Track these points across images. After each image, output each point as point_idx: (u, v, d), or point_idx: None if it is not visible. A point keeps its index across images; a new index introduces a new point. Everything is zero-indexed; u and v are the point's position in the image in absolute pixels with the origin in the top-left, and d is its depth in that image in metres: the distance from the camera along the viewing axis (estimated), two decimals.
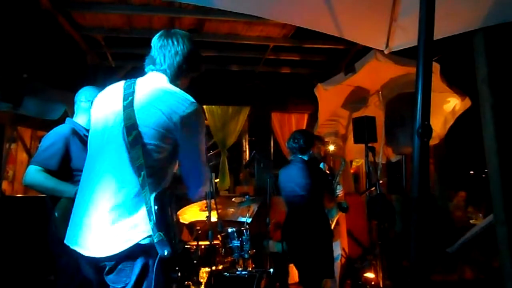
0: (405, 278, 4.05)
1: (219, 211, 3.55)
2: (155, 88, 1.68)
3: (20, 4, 4.03)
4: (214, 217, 3.54)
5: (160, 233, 1.53)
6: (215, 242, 3.46)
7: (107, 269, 1.60)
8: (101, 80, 5.38)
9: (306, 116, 6.75)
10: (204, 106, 6.44)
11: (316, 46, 5.31)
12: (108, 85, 1.83)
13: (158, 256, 1.55)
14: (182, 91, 1.74)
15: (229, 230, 3.53)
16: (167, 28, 4.74)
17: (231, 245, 3.49)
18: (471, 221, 4.55)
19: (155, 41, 1.78)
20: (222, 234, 3.53)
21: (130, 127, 1.59)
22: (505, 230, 2.49)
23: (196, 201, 1.95)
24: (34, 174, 2.23)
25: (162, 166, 1.64)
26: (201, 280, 3.39)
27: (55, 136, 2.34)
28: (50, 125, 2.63)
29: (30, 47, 4.46)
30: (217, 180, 6.63)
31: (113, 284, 1.60)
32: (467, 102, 3.95)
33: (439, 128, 4.24)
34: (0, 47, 4.00)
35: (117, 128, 1.62)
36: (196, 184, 1.75)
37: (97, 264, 1.61)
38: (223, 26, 4.82)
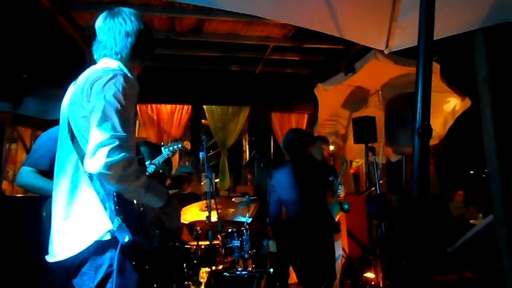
0: (405, 278, 4.05)
1: (219, 211, 3.55)
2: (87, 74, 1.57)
3: (20, 4, 4.03)
4: (214, 217, 3.54)
5: (118, 217, 1.41)
6: (215, 242, 3.45)
7: (72, 272, 1.51)
8: None
9: (306, 116, 6.76)
10: (204, 106, 6.45)
11: (316, 46, 5.31)
12: None
13: (119, 245, 1.41)
14: (107, 66, 1.57)
15: (229, 230, 3.53)
16: (167, 28, 4.78)
17: (231, 245, 3.49)
18: (471, 221, 4.55)
19: (101, 23, 1.63)
20: (222, 234, 3.53)
21: (66, 124, 1.56)
22: (505, 230, 2.48)
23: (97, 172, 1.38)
24: (25, 174, 2.29)
25: None
26: (201, 280, 3.39)
27: (45, 137, 2.40)
28: (50, 125, 2.63)
29: (30, 47, 4.45)
30: (217, 180, 6.63)
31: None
32: (467, 102, 3.95)
33: (439, 128, 4.24)
34: (0, 47, 4.00)
35: (64, 128, 1.60)
36: (89, 152, 1.35)
37: (67, 269, 1.52)
38: (223, 26, 4.81)
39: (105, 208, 1.43)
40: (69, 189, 1.50)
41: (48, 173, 2.28)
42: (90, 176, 1.44)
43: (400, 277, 4.06)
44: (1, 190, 4.94)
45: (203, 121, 6.53)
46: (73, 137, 1.51)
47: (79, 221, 1.46)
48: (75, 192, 1.49)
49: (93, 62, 1.68)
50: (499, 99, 2.56)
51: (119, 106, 1.40)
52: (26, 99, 4.01)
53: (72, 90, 1.60)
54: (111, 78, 1.45)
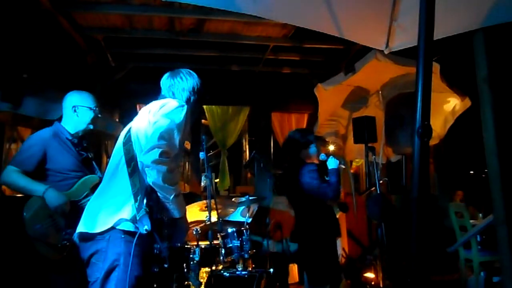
0: (405, 278, 4.04)
1: (219, 211, 3.56)
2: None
3: (21, 4, 4.03)
4: (214, 217, 3.54)
5: (146, 208, 1.64)
6: (215, 242, 3.46)
7: (85, 262, 1.74)
8: (101, 80, 5.40)
9: (306, 116, 6.75)
10: (204, 106, 6.45)
11: (316, 46, 5.31)
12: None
13: (137, 235, 1.64)
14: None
15: (229, 230, 3.53)
16: (167, 28, 4.78)
17: (231, 245, 3.49)
18: (471, 221, 4.54)
19: (164, 81, 2.02)
20: (222, 234, 3.53)
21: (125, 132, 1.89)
22: (505, 230, 2.49)
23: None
24: (10, 173, 2.35)
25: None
26: (201, 280, 3.39)
27: (34, 139, 2.47)
28: (50, 125, 2.63)
29: (30, 47, 4.45)
30: (217, 180, 6.64)
31: (89, 278, 1.73)
32: (467, 102, 3.94)
33: (439, 128, 4.24)
34: (0, 47, 4.00)
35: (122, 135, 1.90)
36: (147, 148, 1.71)
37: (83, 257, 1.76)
38: (223, 26, 4.82)
39: (136, 200, 1.66)
40: (109, 179, 1.83)
41: (31, 174, 2.36)
42: (131, 172, 1.72)
43: (400, 277, 4.07)
44: (1, 190, 4.93)
45: (203, 121, 6.53)
46: (128, 141, 1.81)
47: (108, 203, 1.74)
48: (112, 181, 1.80)
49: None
50: (499, 99, 2.57)
51: (180, 128, 1.77)
52: (26, 99, 4.00)
53: (141, 112, 1.91)
54: (179, 107, 1.82)
